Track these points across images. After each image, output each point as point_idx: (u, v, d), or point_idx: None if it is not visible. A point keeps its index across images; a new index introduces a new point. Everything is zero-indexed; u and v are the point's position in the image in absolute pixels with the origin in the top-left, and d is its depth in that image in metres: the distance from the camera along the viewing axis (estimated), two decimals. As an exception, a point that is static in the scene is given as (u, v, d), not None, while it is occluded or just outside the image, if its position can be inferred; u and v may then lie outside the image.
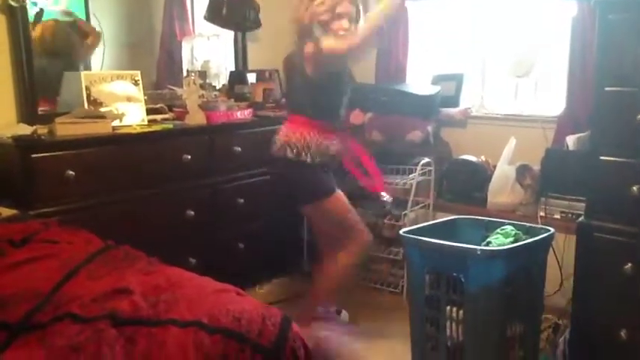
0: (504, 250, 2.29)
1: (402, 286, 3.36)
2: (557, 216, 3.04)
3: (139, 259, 1.80)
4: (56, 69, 3.14)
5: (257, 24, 3.64)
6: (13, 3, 2.81)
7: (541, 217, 3.03)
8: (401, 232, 2.50)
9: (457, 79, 3.65)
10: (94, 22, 3.32)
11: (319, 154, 2.66)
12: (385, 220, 3.44)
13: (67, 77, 3.14)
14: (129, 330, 1.33)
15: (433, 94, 3.53)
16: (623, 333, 2.38)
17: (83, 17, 3.31)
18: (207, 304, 1.45)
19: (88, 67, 3.30)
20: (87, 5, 3.30)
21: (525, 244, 2.35)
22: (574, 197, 2.95)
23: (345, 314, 3.12)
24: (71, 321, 1.34)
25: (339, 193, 2.78)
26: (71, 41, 3.25)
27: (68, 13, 3.17)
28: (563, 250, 2.96)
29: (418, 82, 3.77)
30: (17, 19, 2.85)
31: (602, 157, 2.42)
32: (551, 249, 2.63)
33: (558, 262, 2.93)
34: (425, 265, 2.40)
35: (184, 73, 3.69)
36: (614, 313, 2.43)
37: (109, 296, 1.47)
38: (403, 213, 3.37)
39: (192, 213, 3.05)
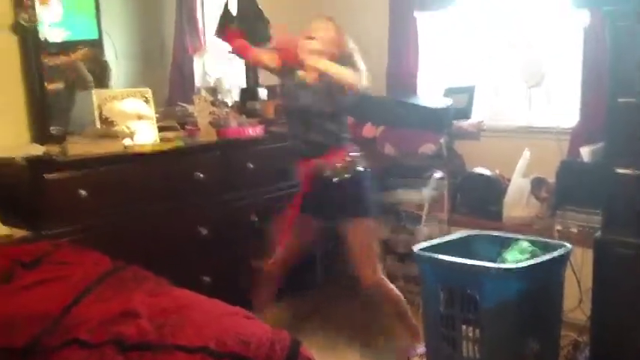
0: (519, 267, 2.25)
1: (418, 303, 3.30)
2: (575, 229, 2.98)
3: (148, 281, 1.78)
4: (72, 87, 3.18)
5: (267, 39, 3.63)
6: (23, 23, 2.82)
7: (558, 230, 2.97)
8: (414, 248, 2.47)
9: (469, 91, 3.62)
10: (106, 40, 3.34)
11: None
12: (399, 236, 3.40)
13: (78, 96, 3.15)
14: (135, 356, 1.31)
15: (445, 107, 3.50)
16: (644, 350, 2.32)
17: (96, 36, 3.33)
18: (215, 328, 1.43)
19: (103, 85, 3.31)
20: (99, 24, 3.32)
21: (541, 261, 2.30)
22: (591, 210, 2.89)
23: None
24: (78, 347, 1.33)
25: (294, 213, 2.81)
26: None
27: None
28: (582, 265, 2.90)
29: (430, 94, 3.74)
30: (29, 39, 2.87)
31: (617, 170, 2.37)
32: (569, 264, 2.58)
33: (576, 276, 2.87)
34: (439, 283, 2.36)
35: (196, 90, 3.69)
36: (636, 329, 2.37)
37: (116, 320, 1.45)
38: (417, 228, 3.33)
39: (205, 231, 3.04)
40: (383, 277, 2.82)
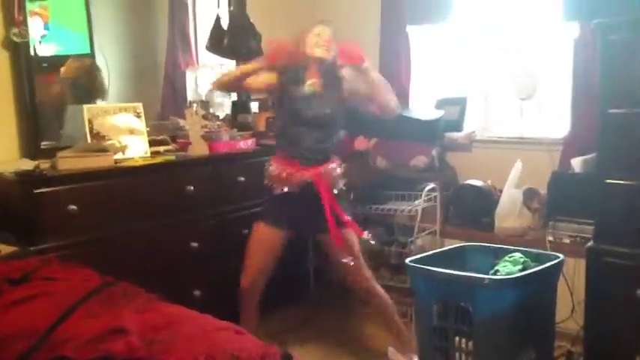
0: (512, 279, 2.25)
1: (411, 315, 3.30)
2: (567, 240, 2.98)
3: (138, 297, 1.77)
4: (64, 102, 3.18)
5: (258, 53, 3.64)
6: (15, 38, 2.82)
7: (549, 241, 2.98)
8: (407, 261, 2.47)
9: (461, 103, 3.63)
10: (98, 57, 3.34)
11: (275, 181, 2.78)
12: (392, 248, 3.40)
13: (69, 111, 3.15)
14: (123, 373, 1.29)
15: (437, 119, 3.51)
16: (638, 360, 2.32)
17: (87, 50, 3.33)
18: (205, 343, 1.42)
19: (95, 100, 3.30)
20: (92, 40, 3.32)
21: (534, 272, 2.30)
22: (583, 220, 2.90)
23: None
24: (65, 364, 1.32)
25: (266, 229, 2.80)
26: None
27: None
28: (574, 275, 2.91)
29: (421, 106, 3.75)
30: (20, 54, 2.86)
31: (608, 181, 2.37)
32: (561, 274, 2.58)
33: (569, 287, 2.87)
34: (432, 295, 2.36)
35: (188, 104, 3.69)
36: (629, 339, 2.37)
37: (104, 337, 1.43)
38: (410, 240, 3.33)
39: (196, 244, 3.02)
40: (373, 281, 2.88)
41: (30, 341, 1.41)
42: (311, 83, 2.75)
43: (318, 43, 2.71)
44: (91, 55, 3.32)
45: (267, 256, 2.85)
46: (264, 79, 2.86)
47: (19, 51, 2.86)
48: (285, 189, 2.74)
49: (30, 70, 2.91)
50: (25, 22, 2.86)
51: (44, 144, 2.97)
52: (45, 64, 3.12)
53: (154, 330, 1.48)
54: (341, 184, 2.82)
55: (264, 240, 2.83)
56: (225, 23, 3.65)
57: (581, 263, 2.64)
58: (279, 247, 2.86)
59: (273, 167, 2.79)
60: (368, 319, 3.16)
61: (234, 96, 3.86)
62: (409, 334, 2.93)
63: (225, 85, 3.11)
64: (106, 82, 3.33)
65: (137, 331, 1.46)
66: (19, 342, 1.42)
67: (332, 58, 2.74)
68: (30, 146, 2.92)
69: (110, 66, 3.37)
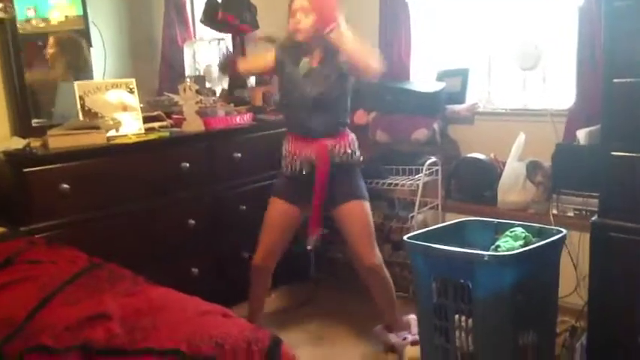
0: (513, 255, 2.18)
1: (412, 291, 3.25)
2: (571, 213, 2.92)
3: (123, 280, 1.71)
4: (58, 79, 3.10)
5: (254, 26, 3.55)
6: (1, 14, 2.75)
7: (554, 215, 2.91)
8: (404, 237, 2.40)
9: (462, 75, 3.54)
10: (93, 31, 3.26)
11: (284, 160, 2.74)
12: (392, 223, 3.34)
13: (61, 88, 3.08)
14: (102, 361, 1.25)
15: (438, 91, 3.42)
16: (642, 337, 2.26)
17: (82, 26, 3.25)
18: (189, 329, 1.37)
19: (90, 77, 3.23)
20: (86, 14, 3.24)
21: (535, 247, 2.23)
22: (588, 193, 2.83)
23: None
24: (42, 353, 1.27)
25: (279, 203, 2.75)
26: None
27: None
28: (579, 249, 2.85)
29: (422, 79, 3.67)
30: (6, 31, 2.79)
31: (613, 153, 2.29)
32: (565, 248, 2.52)
33: (573, 261, 2.82)
34: (431, 273, 2.30)
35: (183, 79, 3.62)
36: (633, 315, 2.31)
37: (84, 324, 1.38)
38: (410, 215, 3.26)
39: (193, 222, 2.99)
40: (382, 261, 2.78)
41: (6, 331, 1.37)
42: (304, 62, 2.64)
43: (294, 25, 2.60)
44: (86, 31, 3.24)
45: (281, 233, 2.77)
46: (261, 61, 2.88)
47: (5, 27, 2.78)
48: (296, 165, 2.68)
49: (17, 46, 2.83)
50: (10, -2, 2.78)
51: (35, 122, 2.92)
52: (35, 41, 3.04)
53: (136, 315, 1.44)
54: (349, 157, 2.71)
55: (279, 216, 2.75)
56: (220, -4, 3.55)
57: (586, 237, 2.56)
58: (294, 223, 2.79)
59: (284, 147, 2.75)
60: (369, 297, 3.11)
61: (230, 70, 3.77)
62: (402, 317, 2.88)
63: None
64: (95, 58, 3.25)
65: (119, 317, 1.42)
66: (-3, 331, 1.38)
67: (312, 32, 2.58)
68: (21, 124, 2.86)
69: (106, 42, 3.30)
